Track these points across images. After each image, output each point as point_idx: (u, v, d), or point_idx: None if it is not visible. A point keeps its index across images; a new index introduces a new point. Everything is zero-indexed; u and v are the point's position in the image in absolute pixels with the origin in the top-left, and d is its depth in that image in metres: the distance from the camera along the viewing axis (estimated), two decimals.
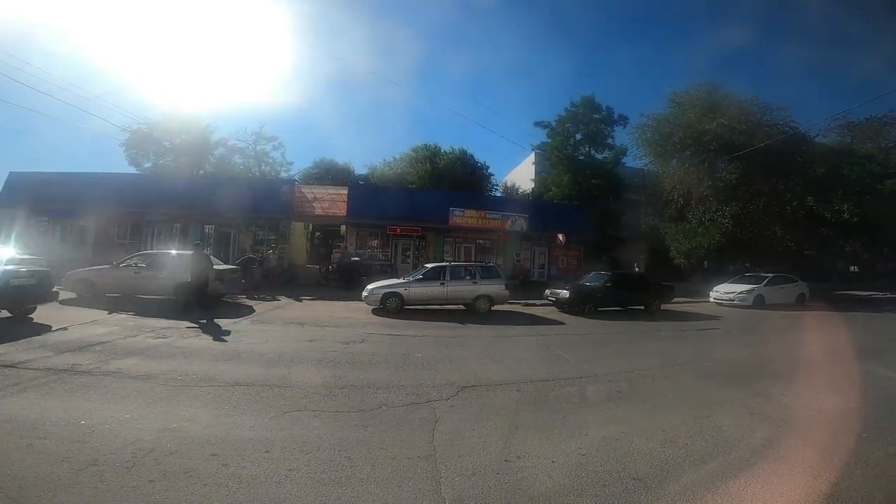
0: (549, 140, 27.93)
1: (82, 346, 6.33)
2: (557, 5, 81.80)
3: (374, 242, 21.65)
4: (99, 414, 3.91)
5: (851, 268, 28.66)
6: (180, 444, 3.35)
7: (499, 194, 33.47)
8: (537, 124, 28.37)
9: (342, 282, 16.52)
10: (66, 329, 7.43)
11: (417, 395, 4.88)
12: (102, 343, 6.59)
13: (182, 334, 7.54)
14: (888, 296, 20.18)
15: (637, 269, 25.55)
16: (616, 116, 26.95)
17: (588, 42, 77.88)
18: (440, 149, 33.10)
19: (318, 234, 29.47)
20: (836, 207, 18.28)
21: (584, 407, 4.86)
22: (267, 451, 3.30)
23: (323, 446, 3.45)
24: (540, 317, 12.17)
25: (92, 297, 10.59)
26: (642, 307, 13.84)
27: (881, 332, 11.32)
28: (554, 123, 27.56)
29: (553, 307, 13.58)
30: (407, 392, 4.97)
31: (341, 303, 12.89)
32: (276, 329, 8.62)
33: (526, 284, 19.74)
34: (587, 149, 27.57)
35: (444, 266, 12.52)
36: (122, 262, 11.10)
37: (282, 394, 4.71)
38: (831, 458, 3.50)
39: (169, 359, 5.94)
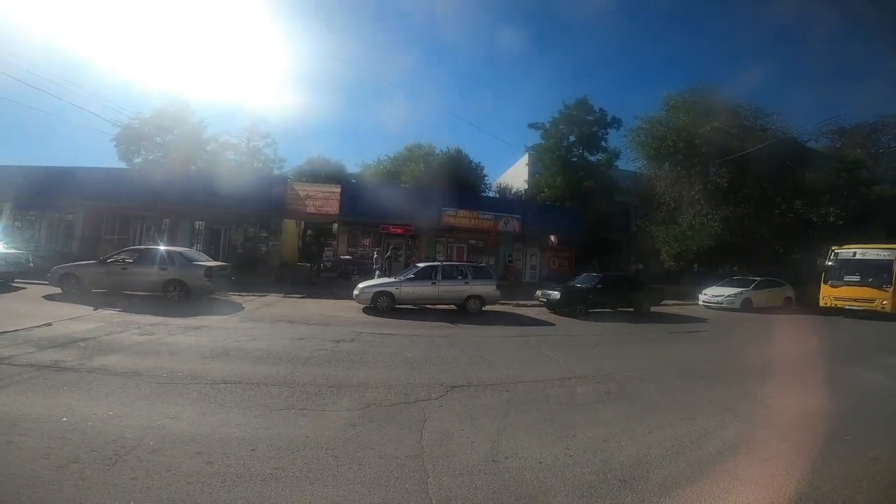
0: (543, 141, 27.99)
1: (66, 343, 6.21)
2: (552, 12, 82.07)
3: (366, 241, 21.58)
4: (82, 411, 3.85)
5: None
6: (164, 442, 3.31)
7: (493, 195, 33.53)
8: (531, 125, 28.41)
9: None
10: (50, 325, 7.27)
11: (406, 394, 4.87)
12: (87, 339, 6.48)
13: (169, 331, 7.44)
14: None
15: (637, 269, 25.79)
16: (609, 119, 27.05)
17: (583, 45, 78.23)
18: (434, 148, 33.09)
19: (309, 231, 29.31)
20: (823, 210, 18.64)
21: (572, 408, 4.89)
22: (253, 450, 3.27)
23: (310, 445, 3.43)
24: (531, 318, 12.22)
25: (78, 292, 10.39)
26: (632, 309, 13.94)
27: (866, 336, 11.54)
28: (548, 125, 27.61)
29: (544, 308, 13.65)
30: (396, 391, 4.95)
31: (332, 301, 12.82)
32: (265, 327, 8.54)
33: (517, 285, 19.81)
34: (580, 151, 27.64)
35: (436, 266, 12.51)
36: (109, 257, 10.91)
37: (269, 392, 4.67)
38: (815, 460, 3.56)
39: (155, 356, 5.87)
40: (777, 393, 5.69)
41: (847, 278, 15.38)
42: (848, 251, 15.69)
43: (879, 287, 14.52)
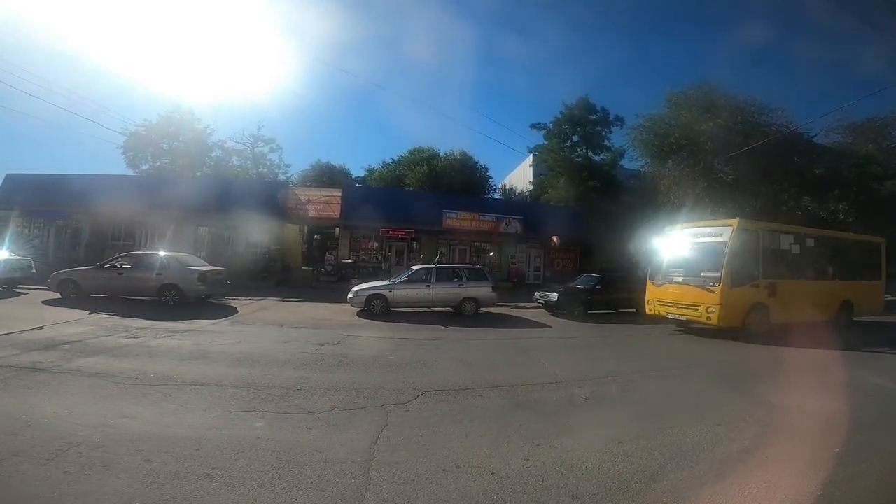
0: (546, 142, 27.85)
1: (51, 345, 6.32)
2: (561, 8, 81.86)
3: (369, 244, 21.65)
4: (43, 409, 3.91)
5: None
6: (109, 440, 3.35)
7: (497, 196, 33.46)
8: (533, 126, 28.33)
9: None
10: (41, 328, 7.44)
11: (375, 398, 4.79)
12: (72, 342, 6.57)
13: (155, 334, 7.52)
14: (889, 298, 19.82)
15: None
16: (612, 117, 26.83)
17: (586, 43, 77.80)
18: (438, 151, 33.19)
19: (316, 236, 29.51)
20: (832, 208, 18.01)
21: (544, 414, 4.64)
22: (197, 449, 3.26)
23: (258, 447, 3.38)
24: (527, 320, 12.05)
25: (76, 297, 10.62)
26: (634, 310, 13.62)
27: (875, 336, 11.03)
28: (550, 125, 27.49)
29: (543, 310, 13.47)
30: (365, 395, 4.88)
31: (328, 305, 12.86)
32: (254, 330, 8.58)
33: (520, 287, 19.64)
34: (584, 151, 27.43)
35: (431, 268, 12.43)
36: (107, 262, 11.13)
37: (236, 394, 4.65)
38: (796, 478, 3.23)
39: (133, 358, 5.92)
40: (769, 398, 5.35)
41: (673, 273, 10.56)
42: (680, 233, 11.06)
43: (705, 286, 9.56)
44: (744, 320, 9.56)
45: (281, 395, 4.71)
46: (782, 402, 5.26)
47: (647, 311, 11.08)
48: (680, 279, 10.32)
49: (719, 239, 9.77)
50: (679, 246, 10.76)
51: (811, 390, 5.71)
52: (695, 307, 9.72)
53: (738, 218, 10.12)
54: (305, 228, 24.04)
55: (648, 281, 11.21)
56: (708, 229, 10.34)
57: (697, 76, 26.36)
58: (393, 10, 77.03)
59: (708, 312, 9.42)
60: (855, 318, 11.75)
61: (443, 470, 3.19)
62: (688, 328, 10.64)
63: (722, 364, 7.75)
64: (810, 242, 11.11)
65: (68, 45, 47.94)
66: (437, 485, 2.98)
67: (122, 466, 2.93)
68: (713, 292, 9.39)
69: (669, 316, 10.40)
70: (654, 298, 10.85)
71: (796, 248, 10.72)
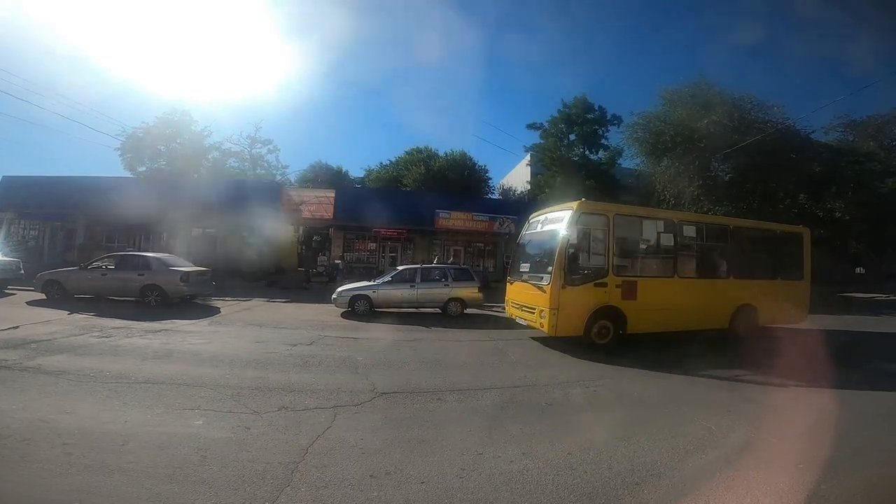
0: (543, 142, 27.71)
1: (20, 344, 6.37)
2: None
3: (362, 245, 21.66)
4: None
5: (858, 269, 27.71)
6: (39, 433, 3.39)
7: (495, 197, 33.32)
8: (530, 126, 28.19)
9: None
10: (16, 328, 7.48)
11: (328, 399, 4.72)
12: (42, 341, 6.61)
13: (127, 334, 7.52)
14: (890, 298, 19.47)
15: None
16: (609, 116, 26.61)
17: (585, 43, 77.50)
18: (437, 152, 33.16)
19: (315, 237, 29.56)
20: (829, 205, 17.68)
21: (499, 420, 4.41)
22: (123, 445, 3.28)
23: (187, 444, 3.36)
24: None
25: (61, 298, 10.69)
26: None
27: (870, 337, 10.78)
28: (547, 125, 27.36)
29: None
30: (319, 396, 4.81)
31: (314, 305, 12.85)
32: (231, 330, 8.54)
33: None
34: (581, 150, 27.27)
35: (416, 268, 12.36)
36: (90, 263, 11.20)
37: (185, 393, 4.62)
38: (758, 497, 3.02)
39: (96, 357, 5.92)
40: (745, 406, 5.06)
41: (522, 268, 8.92)
42: (537, 219, 9.08)
43: (539, 284, 7.86)
44: (586, 328, 7.73)
45: (232, 394, 4.66)
46: None
47: (507, 313, 9.51)
48: (526, 276, 8.59)
49: (559, 226, 7.86)
50: (529, 236, 9.09)
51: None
52: (531, 310, 8.00)
53: (581, 199, 8.23)
54: (301, 229, 24.08)
55: (508, 277, 9.52)
56: (552, 215, 8.45)
57: (696, 74, 26.15)
58: (391, 10, 77.32)
59: (541, 317, 7.67)
60: (768, 326, 9.40)
61: (371, 476, 3.09)
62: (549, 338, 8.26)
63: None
64: (689, 231, 8.81)
65: (66, 48, 48.68)
66: (359, 491, 2.89)
67: (40, 458, 2.99)
68: (545, 292, 7.58)
69: (518, 320, 8.77)
70: (508, 298, 9.28)
71: (667, 239, 8.50)
